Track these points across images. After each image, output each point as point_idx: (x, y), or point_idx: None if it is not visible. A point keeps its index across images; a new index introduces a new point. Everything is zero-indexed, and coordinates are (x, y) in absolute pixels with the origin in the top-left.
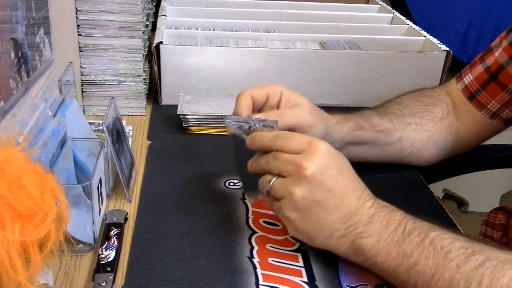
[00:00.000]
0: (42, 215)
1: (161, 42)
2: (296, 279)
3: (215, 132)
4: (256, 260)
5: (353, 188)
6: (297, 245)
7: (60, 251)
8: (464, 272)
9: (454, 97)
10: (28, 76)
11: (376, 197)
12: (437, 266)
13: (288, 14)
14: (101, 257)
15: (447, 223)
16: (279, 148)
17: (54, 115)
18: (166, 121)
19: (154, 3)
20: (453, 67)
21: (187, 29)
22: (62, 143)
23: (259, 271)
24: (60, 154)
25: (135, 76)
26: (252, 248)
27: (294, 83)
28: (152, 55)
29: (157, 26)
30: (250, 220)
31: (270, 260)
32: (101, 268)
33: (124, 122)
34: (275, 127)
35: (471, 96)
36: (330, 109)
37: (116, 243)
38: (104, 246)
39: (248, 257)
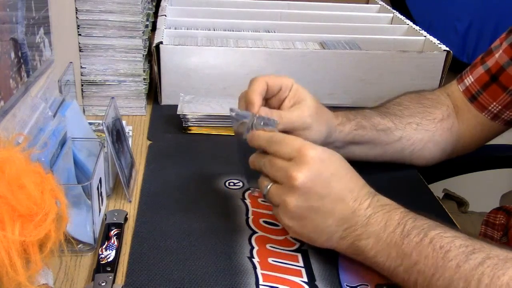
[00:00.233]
0: (42, 215)
1: (161, 42)
2: (296, 279)
3: (215, 132)
4: (256, 260)
5: (348, 190)
6: (297, 245)
7: (60, 251)
8: (464, 271)
9: (455, 98)
10: (28, 76)
11: None
12: (437, 265)
13: (288, 14)
14: (101, 257)
15: (447, 223)
16: (273, 152)
17: (54, 115)
18: (166, 121)
19: (154, 3)
20: (453, 67)
21: (187, 29)
22: (62, 143)
23: (259, 271)
24: (60, 154)
25: (135, 76)
26: (252, 248)
27: None
28: (152, 55)
29: (157, 26)
30: (250, 220)
31: (270, 260)
32: (101, 268)
33: (124, 122)
34: (275, 127)
35: (472, 97)
36: (330, 109)
37: (116, 243)
38: (104, 246)
39: (248, 257)
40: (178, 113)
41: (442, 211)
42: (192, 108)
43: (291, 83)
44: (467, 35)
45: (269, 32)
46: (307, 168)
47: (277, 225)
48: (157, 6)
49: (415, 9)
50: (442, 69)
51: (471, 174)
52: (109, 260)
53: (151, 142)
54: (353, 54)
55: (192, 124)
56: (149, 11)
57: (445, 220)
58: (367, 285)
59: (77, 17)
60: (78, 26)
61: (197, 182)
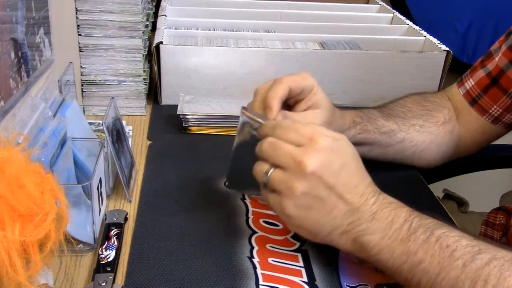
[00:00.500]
0: (42, 215)
1: (161, 42)
2: (296, 279)
3: (215, 132)
4: (256, 260)
5: (354, 185)
6: (297, 245)
7: (60, 251)
8: (470, 271)
9: (456, 102)
10: (28, 76)
11: None
12: (443, 265)
13: (288, 14)
14: (101, 257)
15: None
16: (279, 136)
17: (54, 115)
18: (166, 121)
19: (154, 3)
20: (453, 67)
21: (187, 29)
22: (62, 143)
23: (259, 271)
24: (60, 154)
25: (135, 76)
26: (252, 248)
27: None
28: (152, 55)
29: (157, 26)
30: (250, 220)
31: (270, 260)
32: (101, 268)
33: (124, 122)
34: None
35: (473, 101)
36: (339, 108)
37: (116, 243)
38: (104, 246)
39: (248, 257)
40: (178, 113)
41: (442, 211)
42: (192, 108)
43: (312, 85)
44: (467, 35)
45: (269, 32)
46: (318, 156)
47: (277, 225)
48: (157, 6)
49: (415, 9)
50: (442, 69)
51: (471, 174)
52: (109, 260)
53: (151, 142)
54: (353, 54)
55: (192, 124)
56: (149, 11)
57: (445, 220)
58: (367, 285)
59: (77, 17)
60: (78, 26)
61: (197, 182)
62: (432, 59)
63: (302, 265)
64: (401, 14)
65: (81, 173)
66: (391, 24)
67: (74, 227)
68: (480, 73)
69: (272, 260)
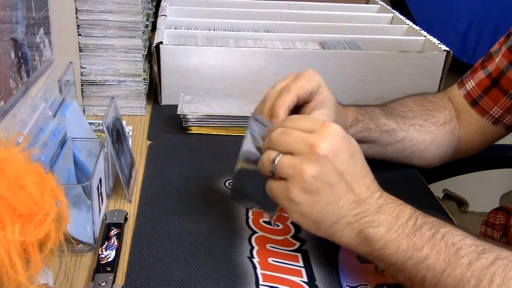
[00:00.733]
0: (42, 215)
1: (161, 42)
2: (296, 279)
3: (215, 132)
4: (256, 260)
5: (362, 176)
6: (297, 245)
7: (60, 251)
8: (476, 270)
9: (456, 103)
10: (28, 76)
11: None
12: (448, 262)
13: (288, 14)
14: (101, 257)
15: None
16: (289, 127)
17: (54, 115)
18: (166, 121)
19: (154, 3)
20: (453, 67)
21: (187, 29)
22: (62, 143)
23: (259, 271)
24: (60, 154)
25: (135, 76)
26: (252, 248)
27: None
28: (152, 55)
29: (157, 26)
30: (250, 220)
31: (270, 260)
32: (101, 268)
33: (124, 122)
34: None
35: (473, 102)
36: (342, 104)
37: (116, 243)
38: (104, 246)
39: (248, 257)
40: (178, 113)
41: (442, 211)
42: (192, 108)
43: (318, 86)
44: (467, 35)
45: (269, 32)
46: (331, 140)
47: (277, 225)
48: (157, 6)
49: (415, 9)
50: (442, 69)
51: (471, 174)
52: (109, 260)
53: (151, 142)
54: (353, 54)
55: (192, 124)
56: (149, 11)
57: (446, 220)
58: (367, 285)
59: (77, 17)
60: (78, 26)
61: (197, 182)
62: (432, 59)
63: (302, 265)
64: (401, 14)
65: (81, 173)
66: (391, 24)
67: (74, 227)
68: (481, 74)
69: (272, 260)
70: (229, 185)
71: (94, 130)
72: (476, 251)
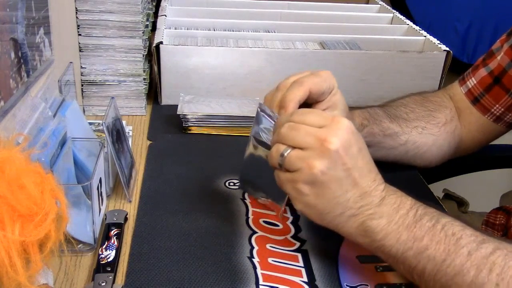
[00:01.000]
0: (42, 215)
1: (161, 42)
2: (296, 279)
3: (215, 132)
4: (256, 260)
5: (369, 170)
6: (297, 245)
7: (60, 251)
8: (476, 259)
9: (457, 101)
10: (28, 76)
11: None
12: (448, 252)
13: (288, 14)
14: (101, 257)
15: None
16: (298, 121)
17: (54, 115)
18: (166, 121)
19: (154, 3)
20: (453, 67)
21: (187, 29)
22: (62, 143)
23: (259, 271)
24: (60, 154)
25: (135, 76)
26: (252, 248)
27: None
28: (152, 55)
29: (157, 26)
30: (250, 220)
31: (270, 260)
32: (101, 268)
33: (124, 122)
34: None
35: (475, 100)
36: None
37: (116, 243)
38: (104, 246)
39: (248, 257)
40: (178, 113)
41: (442, 211)
42: (192, 108)
43: (331, 87)
44: (467, 35)
45: (269, 32)
46: (342, 135)
47: (277, 225)
48: (157, 6)
49: (415, 9)
50: (442, 69)
51: (471, 174)
52: (109, 260)
53: (151, 142)
54: (353, 54)
55: (192, 124)
56: (149, 11)
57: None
58: (367, 285)
59: (77, 17)
60: (78, 26)
61: (197, 182)
62: (432, 59)
63: (302, 265)
64: (401, 14)
65: (81, 173)
66: (391, 24)
67: (74, 227)
68: (482, 72)
69: (272, 260)
70: (229, 185)
71: (94, 130)
72: (476, 241)
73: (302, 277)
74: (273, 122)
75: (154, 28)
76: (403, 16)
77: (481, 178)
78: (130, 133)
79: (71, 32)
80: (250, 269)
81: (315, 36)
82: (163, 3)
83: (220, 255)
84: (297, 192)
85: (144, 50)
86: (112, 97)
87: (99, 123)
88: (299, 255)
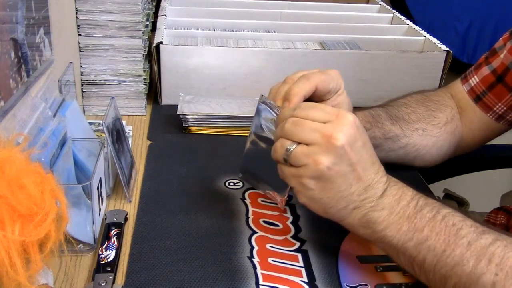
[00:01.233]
0: (42, 215)
1: (161, 42)
2: (296, 279)
3: (215, 132)
4: (256, 260)
5: (372, 162)
6: (297, 245)
7: (60, 251)
8: (475, 250)
9: (459, 99)
10: (28, 76)
11: None
12: (448, 242)
13: (288, 14)
14: (101, 257)
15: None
16: (302, 117)
17: (54, 115)
18: (166, 121)
19: (154, 3)
20: (453, 67)
21: (187, 29)
22: (62, 143)
23: (259, 271)
24: (60, 154)
25: (135, 76)
26: (252, 248)
27: None
28: (152, 55)
29: (157, 26)
30: (250, 220)
31: (270, 260)
32: (101, 268)
33: (124, 122)
34: None
35: (477, 98)
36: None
37: (116, 243)
38: (104, 246)
39: (248, 257)
40: (178, 113)
41: None
42: (192, 108)
43: (338, 87)
44: (467, 35)
45: (269, 32)
46: (347, 131)
47: (277, 225)
48: (157, 6)
49: (415, 9)
50: (442, 69)
51: (471, 174)
52: (109, 260)
53: (151, 142)
54: (353, 54)
55: (192, 124)
56: (149, 11)
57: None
58: (367, 285)
59: (77, 17)
60: (78, 26)
61: (197, 182)
62: (432, 59)
63: (302, 265)
64: (401, 14)
65: (81, 173)
66: (391, 24)
67: (74, 227)
68: (485, 70)
69: (272, 260)
70: (229, 185)
71: (94, 130)
72: (476, 232)
73: (302, 277)
74: (275, 114)
75: (154, 28)
76: (403, 16)
77: (482, 178)
78: (130, 133)
79: (71, 32)
80: (250, 269)
81: (315, 36)
82: (163, 3)
83: (220, 255)
84: (303, 187)
85: (144, 50)
86: (112, 97)
87: (99, 123)
88: (299, 255)
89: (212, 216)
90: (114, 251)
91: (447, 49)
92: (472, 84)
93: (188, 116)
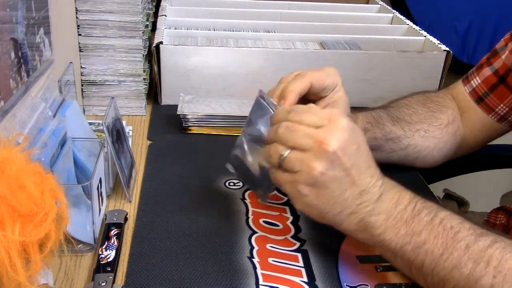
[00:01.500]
0: (42, 215)
1: (161, 42)
2: (296, 279)
3: (215, 132)
4: (256, 260)
5: (367, 166)
6: (297, 245)
7: (60, 251)
8: (473, 253)
9: (461, 100)
10: (28, 76)
11: None
12: (446, 245)
13: (288, 14)
14: (101, 257)
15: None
16: (295, 121)
17: (54, 115)
18: (166, 121)
19: (154, 3)
20: (453, 67)
21: (187, 29)
22: (62, 143)
23: (259, 271)
24: (60, 154)
25: (135, 76)
26: (252, 248)
27: None
28: (152, 55)
29: (157, 26)
30: (250, 220)
31: (270, 260)
32: (101, 268)
33: (124, 122)
34: None
35: (479, 99)
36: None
37: (116, 243)
38: (104, 246)
39: (248, 257)
40: (178, 113)
41: None
42: (192, 108)
43: (335, 84)
44: (467, 35)
45: (269, 32)
46: (339, 136)
47: (277, 225)
48: (157, 6)
49: (415, 9)
50: (442, 69)
51: (471, 174)
52: (109, 260)
53: (151, 142)
54: (353, 54)
55: (192, 124)
56: (149, 11)
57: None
58: (367, 285)
59: (77, 17)
60: (78, 26)
61: (197, 182)
62: (432, 59)
63: (302, 265)
64: (401, 14)
65: (81, 173)
66: (391, 24)
67: (74, 227)
68: (487, 71)
69: (272, 260)
70: (229, 185)
71: (94, 130)
72: (474, 234)
73: (302, 277)
74: (272, 111)
75: (154, 28)
76: (403, 16)
77: (482, 178)
78: (130, 133)
79: (71, 32)
80: (250, 269)
81: (315, 36)
82: (163, 3)
83: (220, 255)
84: (297, 193)
85: (144, 50)
86: (112, 97)
87: (99, 123)
88: (299, 255)
89: (212, 216)
90: (114, 251)
91: (447, 49)
92: (474, 85)
93: (188, 116)
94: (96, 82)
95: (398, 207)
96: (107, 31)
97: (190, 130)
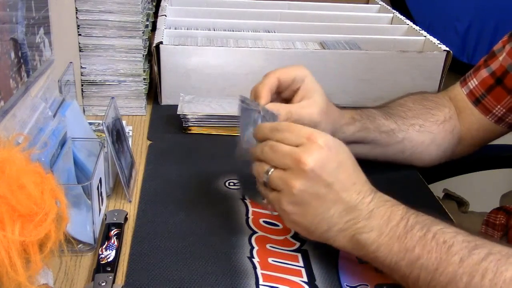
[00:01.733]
0: (42, 215)
1: (161, 42)
2: (296, 279)
3: (215, 132)
4: (256, 260)
5: (352, 183)
6: (297, 245)
7: (60, 251)
8: (468, 266)
9: (458, 101)
10: (28, 76)
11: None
12: (440, 260)
13: (288, 14)
14: (101, 257)
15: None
16: (278, 139)
17: (54, 115)
18: (166, 121)
19: (154, 3)
20: (453, 67)
21: (187, 29)
22: (62, 143)
23: (259, 271)
24: (60, 154)
25: (135, 76)
26: (252, 248)
27: None
28: (152, 55)
29: (157, 26)
30: (250, 220)
31: (270, 260)
32: (101, 268)
33: (124, 122)
34: (276, 121)
35: (476, 100)
36: (338, 107)
37: (116, 243)
38: (104, 246)
39: (248, 257)
40: (178, 113)
41: (442, 211)
42: (192, 108)
43: (304, 75)
44: (467, 35)
45: (269, 32)
46: (316, 154)
47: (277, 225)
48: (157, 6)
49: (415, 9)
50: (442, 69)
51: (471, 174)
52: (109, 260)
53: (151, 142)
54: (353, 54)
55: (192, 124)
56: (149, 11)
57: (445, 220)
58: (367, 285)
59: (77, 17)
60: (78, 26)
61: (197, 182)
62: (432, 59)
63: (302, 265)
64: (401, 14)
65: (81, 173)
66: (391, 24)
67: (74, 227)
68: (484, 73)
69: (272, 260)
70: (229, 185)
71: (94, 130)
72: (468, 247)
73: (302, 277)
74: (254, 109)
75: (154, 28)
76: (403, 16)
77: (481, 178)
78: (130, 133)
79: (71, 32)
80: (250, 269)
81: (315, 36)
82: (163, 3)
83: (220, 255)
84: (283, 212)
85: (144, 50)
86: (112, 97)
87: (99, 123)
88: (299, 255)
89: (212, 216)
90: (114, 251)
91: (447, 49)
92: (471, 87)
93: (188, 116)
94: (96, 82)
95: (390, 223)
96: (107, 31)
97: (190, 130)
